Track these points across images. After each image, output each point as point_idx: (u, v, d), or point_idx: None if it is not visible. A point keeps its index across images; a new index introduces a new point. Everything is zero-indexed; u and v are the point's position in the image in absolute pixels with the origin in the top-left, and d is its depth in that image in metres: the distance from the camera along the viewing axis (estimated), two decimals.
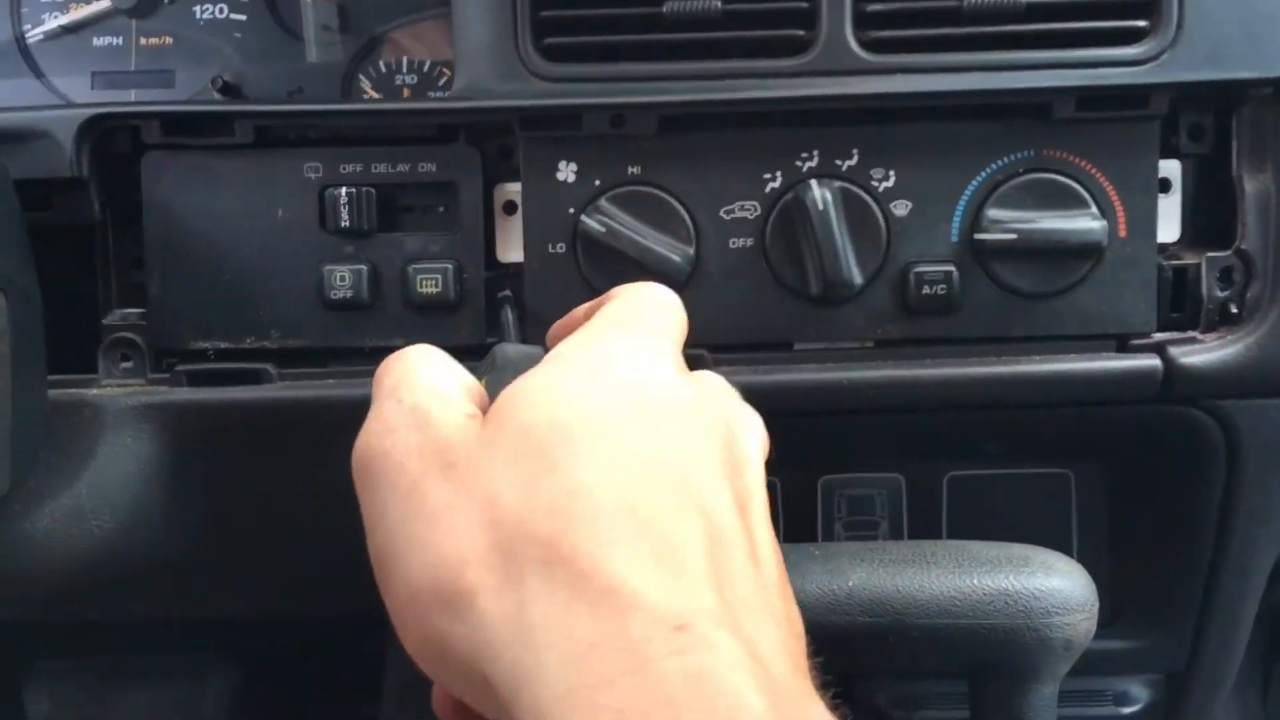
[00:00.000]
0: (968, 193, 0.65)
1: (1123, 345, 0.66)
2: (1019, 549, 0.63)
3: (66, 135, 0.64)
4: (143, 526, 0.67)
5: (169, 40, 0.80)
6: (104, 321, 0.68)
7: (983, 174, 0.64)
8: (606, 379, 0.42)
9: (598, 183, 0.65)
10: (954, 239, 0.65)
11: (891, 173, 0.65)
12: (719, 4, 0.64)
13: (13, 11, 0.80)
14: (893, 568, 0.62)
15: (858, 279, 0.64)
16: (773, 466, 0.77)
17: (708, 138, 0.65)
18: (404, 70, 0.81)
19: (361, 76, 0.80)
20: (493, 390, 0.44)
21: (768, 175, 0.65)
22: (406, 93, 0.79)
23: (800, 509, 0.79)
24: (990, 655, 0.61)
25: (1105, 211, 0.64)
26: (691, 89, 0.64)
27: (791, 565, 0.62)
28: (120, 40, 0.80)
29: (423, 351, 0.47)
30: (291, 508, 0.72)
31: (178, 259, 0.66)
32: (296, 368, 0.67)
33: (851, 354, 0.67)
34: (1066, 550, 0.66)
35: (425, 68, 0.80)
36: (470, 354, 0.68)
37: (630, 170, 0.65)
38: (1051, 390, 0.66)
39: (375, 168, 0.66)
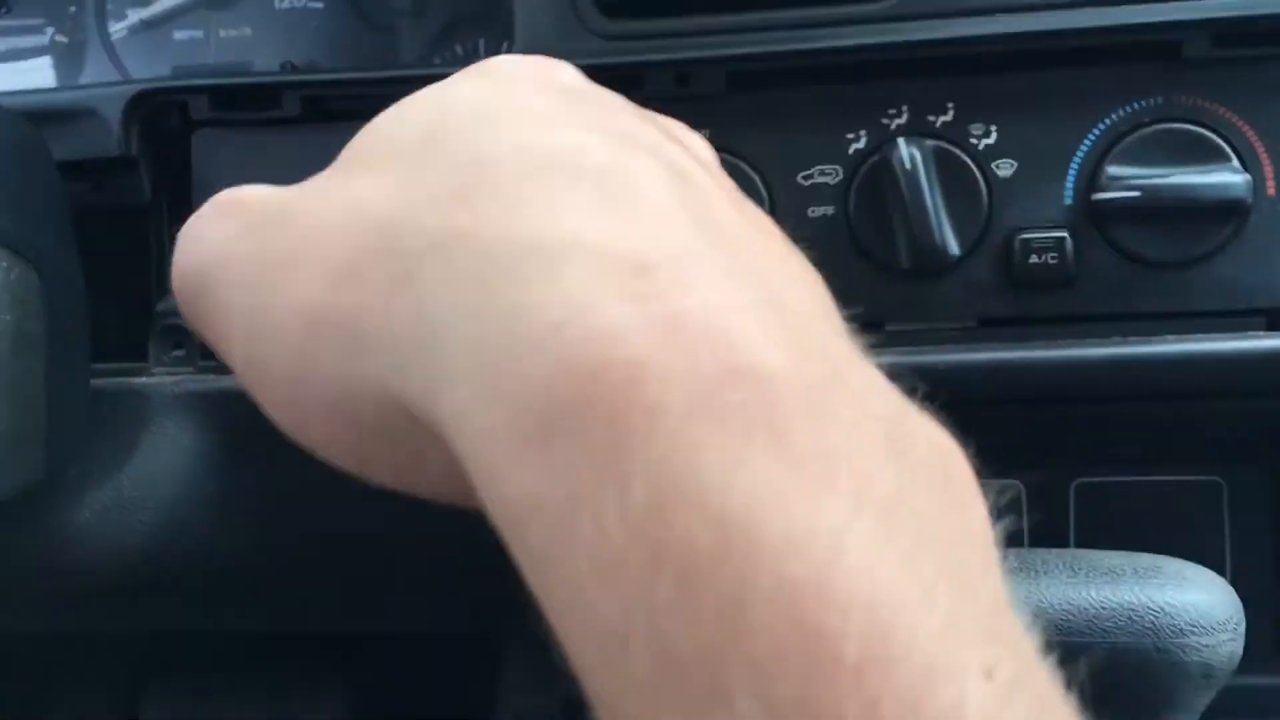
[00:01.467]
0: (1083, 148, 0.56)
1: (1274, 322, 0.56)
2: (1146, 558, 0.54)
3: (113, 113, 0.61)
4: (192, 523, 0.64)
5: (248, 31, 0.78)
6: (157, 308, 0.65)
7: (1100, 126, 0.56)
8: (504, 77, 0.33)
9: None
10: (1068, 200, 0.57)
11: (993, 128, 0.57)
12: None
13: (97, 8, 0.79)
14: None
15: (954, 249, 0.56)
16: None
17: (783, 95, 0.59)
18: (481, 53, 0.77)
19: (438, 61, 0.77)
20: None
21: (851, 135, 0.58)
22: None
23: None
24: (1113, 683, 0.52)
25: (1249, 166, 0.55)
26: (763, 40, 0.58)
27: None
28: (200, 34, 0.79)
29: None
30: (349, 508, 0.68)
31: None
32: None
33: (951, 335, 0.59)
34: (1220, 570, 0.57)
35: (505, 49, 0.76)
36: None
37: (698, 134, 0.59)
38: (1187, 376, 0.56)
39: None
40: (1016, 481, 0.69)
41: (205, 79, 0.63)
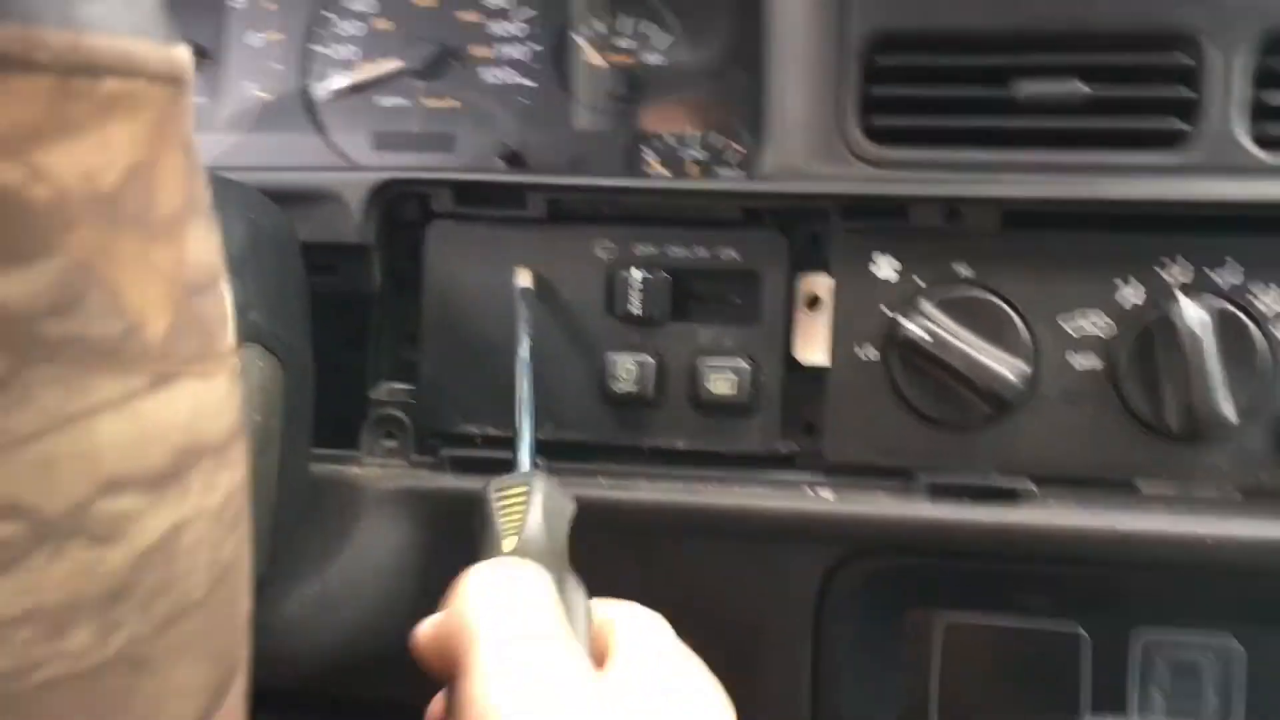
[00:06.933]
0: None
1: None
2: None
3: (356, 199, 0.60)
4: (391, 622, 0.62)
5: (453, 103, 0.77)
6: (371, 396, 0.64)
7: None
8: None
9: (922, 283, 0.57)
10: None
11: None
12: (1082, 88, 0.56)
13: (301, 66, 0.78)
14: None
15: (1232, 417, 0.54)
16: (1077, 611, 0.67)
17: (1055, 238, 0.56)
18: (692, 145, 0.75)
19: (645, 149, 0.75)
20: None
21: (1125, 286, 0.56)
22: (693, 168, 0.73)
23: (1110, 668, 0.67)
24: None
25: None
26: (1044, 183, 0.56)
27: None
28: (405, 101, 0.77)
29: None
30: None
31: (453, 335, 0.61)
32: (568, 461, 0.61)
33: (1211, 505, 0.56)
34: None
35: (718, 143, 0.74)
36: (758, 464, 0.61)
37: (960, 271, 0.57)
38: None
39: (671, 251, 0.60)
40: (1234, 641, 0.66)
41: (451, 173, 0.61)
